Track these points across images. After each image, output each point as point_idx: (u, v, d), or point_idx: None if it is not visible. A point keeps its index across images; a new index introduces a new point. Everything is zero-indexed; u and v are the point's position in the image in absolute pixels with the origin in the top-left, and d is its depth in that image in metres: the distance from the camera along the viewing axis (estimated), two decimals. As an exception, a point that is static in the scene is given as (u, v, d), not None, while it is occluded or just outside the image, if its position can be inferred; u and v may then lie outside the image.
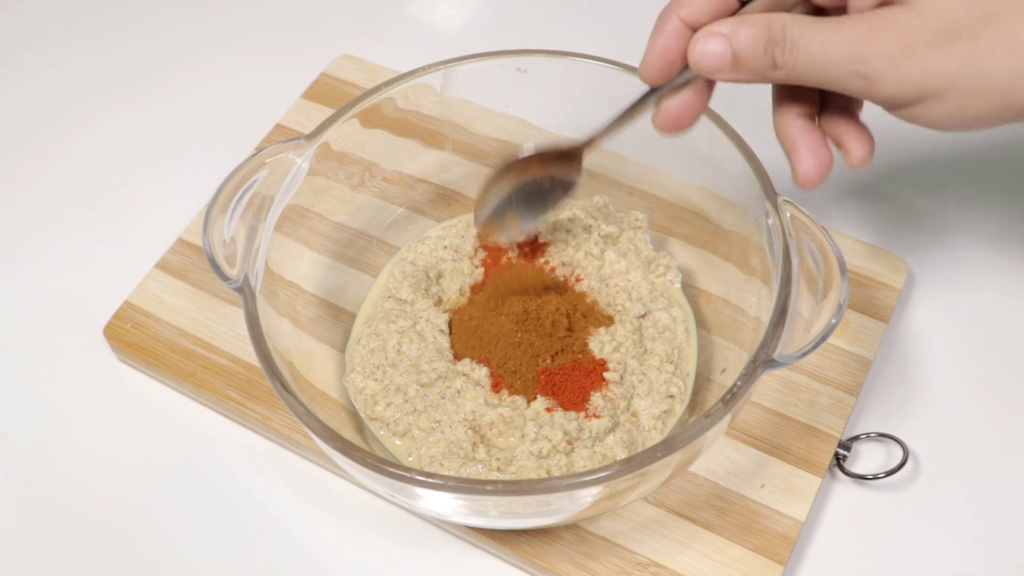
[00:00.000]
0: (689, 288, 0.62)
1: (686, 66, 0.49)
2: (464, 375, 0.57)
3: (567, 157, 0.55)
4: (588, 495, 0.48)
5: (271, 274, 0.55)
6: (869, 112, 0.73)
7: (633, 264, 0.62)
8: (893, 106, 0.46)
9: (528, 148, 0.55)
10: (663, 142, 0.59)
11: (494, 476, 0.53)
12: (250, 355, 0.60)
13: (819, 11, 0.48)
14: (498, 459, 0.54)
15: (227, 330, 0.62)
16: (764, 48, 0.46)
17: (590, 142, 0.54)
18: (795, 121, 0.50)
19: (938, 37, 0.44)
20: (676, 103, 0.50)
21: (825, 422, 0.58)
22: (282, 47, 0.80)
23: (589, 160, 0.56)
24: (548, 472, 0.53)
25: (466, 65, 0.60)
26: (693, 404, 0.57)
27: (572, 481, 0.46)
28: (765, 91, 0.75)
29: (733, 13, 0.48)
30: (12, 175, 0.73)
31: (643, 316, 0.59)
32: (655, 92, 0.50)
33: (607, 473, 0.46)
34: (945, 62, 0.44)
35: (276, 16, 0.82)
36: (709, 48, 0.46)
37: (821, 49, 0.45)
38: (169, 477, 0.59)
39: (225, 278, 0.52)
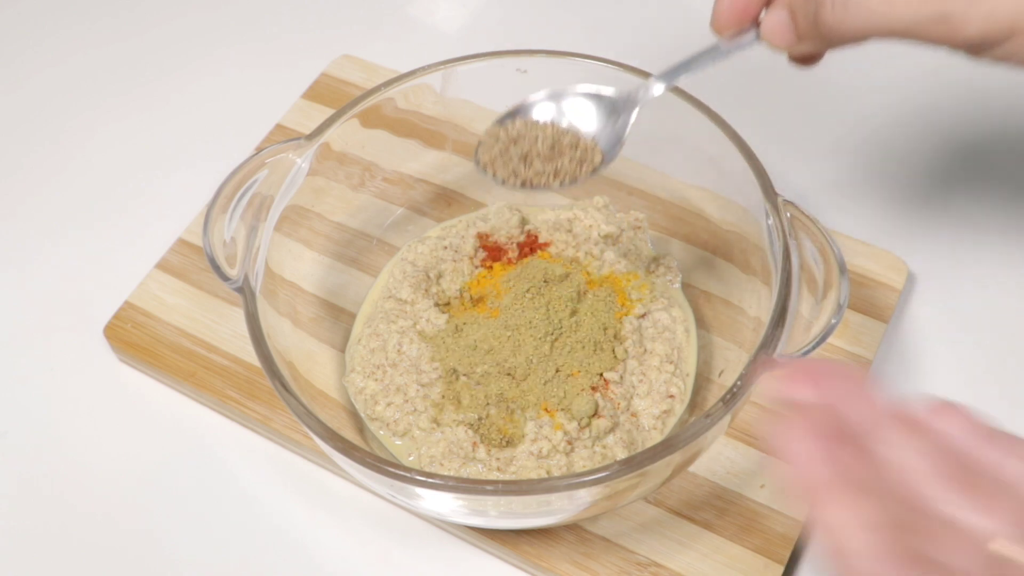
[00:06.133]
0: (689, 288, 0.62)
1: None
2: (464, 375, 0.57)
3: (612, 109, 0.53)
4: (588, 495, 0.48)
5: (271, 274, 0.55)
6: (870, 107, 0.74)
7: (633, 264, 0.62)
8: (979, 48, 0.42)
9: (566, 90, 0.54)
10: (663, 142, 0.60)
11: (494, 476, 0.54)
12: (250, 355, 0.60)
13: None
14: (498, 459, 0.54)
15: (227, 330, 0.62)
16: (813, 14, 0.43)
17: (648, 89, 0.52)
18: None
19: None
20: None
21: (825, 422, 0.58)
22: (282, 47, 0.80)
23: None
24: (548, 472, 0.53)
25: (466, 65, 0.60)
26: (693, 404, 0.57)
27: (572, 481, 0.46)
28: (765, 91, 0.75)
29: None
30: (12, 176, 0.73)
31: (643, 316, 0.59)
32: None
33: (607, 473, 0.46)
34: None
35: (276, 16, 0.82)
36: (772, 19, 0.45)
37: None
38: (169, 477, 0.59)
39: (225, 278, 0.53)
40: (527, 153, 0.52)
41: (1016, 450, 0.38)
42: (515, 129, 0.53)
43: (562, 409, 0.55)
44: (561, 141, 0.52)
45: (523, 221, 0.64)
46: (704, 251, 0.62)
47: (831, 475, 0.36)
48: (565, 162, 0.52)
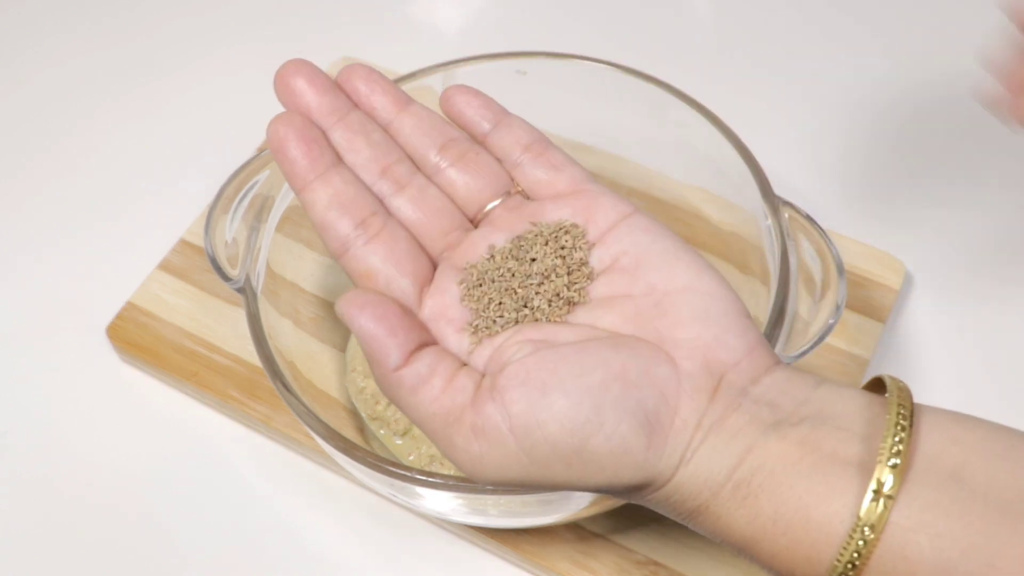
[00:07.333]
0: (688, 288, 0.62)
1: None
2: (464, 375, 0.57)
3: None
4: (587, 494, 0.48)
5: (272, 274, 0.56)
6: (869, 107, 0.74)
7: (632, 264, 0.61)
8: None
9: None
10: (662, 142, 0.60)
11: (494, 475, 0.54)
12: (252, 355, 0.60)
13: None
14: (498, 458, 0.54)
15: (229, 330, 0.62)
16: None
17: None
18: None
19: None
20: None
21: (823, 421, 0.58)
22: (282, 49, 0.80)
23: (589, 162, 0.55)
24: (548, 471, 0.53)
25: (466, 67, 0.60)
26: (692, 404, 0.57)
27: (572, 480, 0.46)
28: (763, 91, 0.75)
29: None
30: (13, 176, 0.73)
31: (642, 316, 0.60)
32: None
33: (606, 472, 0.46)
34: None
35: (276, 16, 0.83)
36: None
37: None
38: (171, 477, 0.59)
39: (227, 278, 0.53)
40: (526, 297, 0.39)
41: (514, 131, 0.43)
42: (496, 266, 0.40)
43: None
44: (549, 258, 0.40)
45: (523, 222, 0.64)
46: (702, 251, 0.62)
47: (312, 156, 0.40)
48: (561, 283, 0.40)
